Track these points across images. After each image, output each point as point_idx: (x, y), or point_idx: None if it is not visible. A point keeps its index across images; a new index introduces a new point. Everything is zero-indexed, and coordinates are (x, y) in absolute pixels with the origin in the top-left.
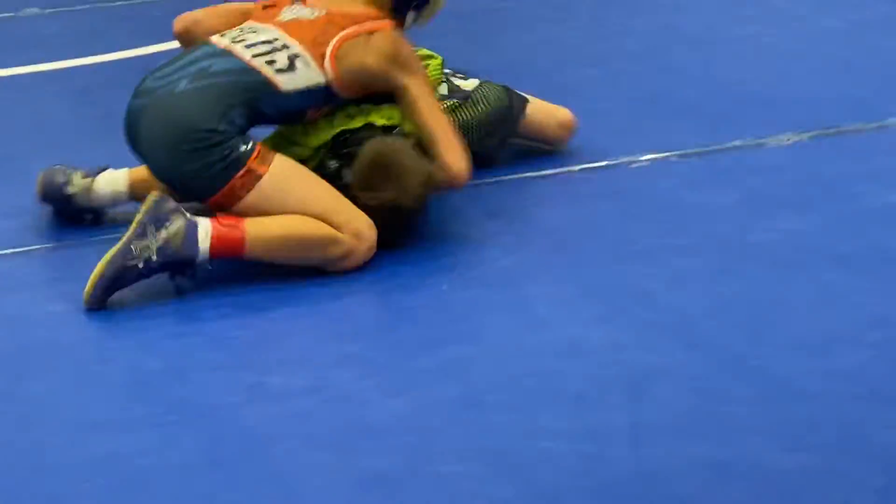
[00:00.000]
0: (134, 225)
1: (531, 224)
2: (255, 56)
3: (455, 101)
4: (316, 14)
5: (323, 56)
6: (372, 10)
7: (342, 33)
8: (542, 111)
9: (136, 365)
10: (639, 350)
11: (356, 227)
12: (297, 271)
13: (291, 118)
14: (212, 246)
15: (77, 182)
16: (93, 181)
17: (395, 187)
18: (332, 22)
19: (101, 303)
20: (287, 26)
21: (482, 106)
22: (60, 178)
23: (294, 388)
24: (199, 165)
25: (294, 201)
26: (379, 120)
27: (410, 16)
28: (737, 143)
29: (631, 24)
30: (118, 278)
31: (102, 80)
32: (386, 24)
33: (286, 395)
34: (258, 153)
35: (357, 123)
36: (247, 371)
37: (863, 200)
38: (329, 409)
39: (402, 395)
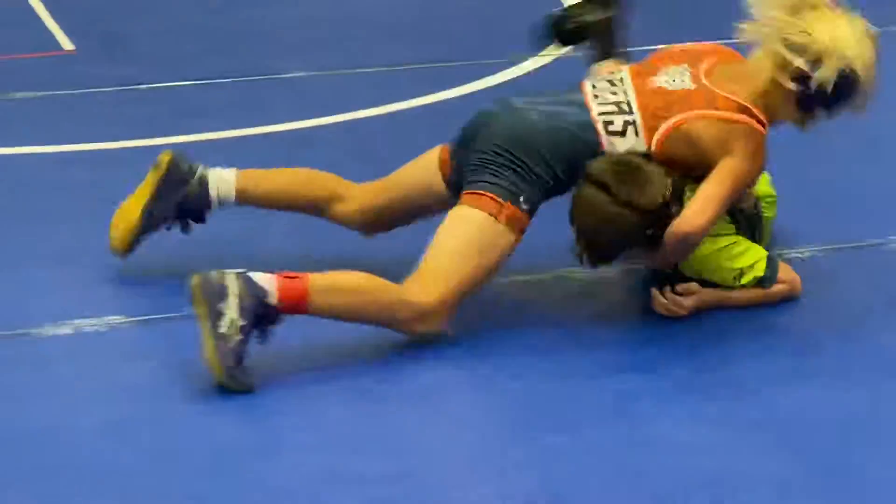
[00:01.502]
0: (200, 314)
1: None
2: (599, 114)
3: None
4: (685, 85)
5: (654, 130)
6: (758, 102)
7: (687, 114)
8: None
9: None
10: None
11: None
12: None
13: None
14: (279, 296)
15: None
16: (207, 171)
17: (634, 189)
18: (692, 98)
19: (237, 379)
20: (643, 91)
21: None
22: (186, 166)
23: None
24: (497, 179)
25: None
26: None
27: (820, 113)
28: None
29: None
30: (237, 360)
31: None
32: (757, 128)
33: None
34: (521, 216)
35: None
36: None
37: None
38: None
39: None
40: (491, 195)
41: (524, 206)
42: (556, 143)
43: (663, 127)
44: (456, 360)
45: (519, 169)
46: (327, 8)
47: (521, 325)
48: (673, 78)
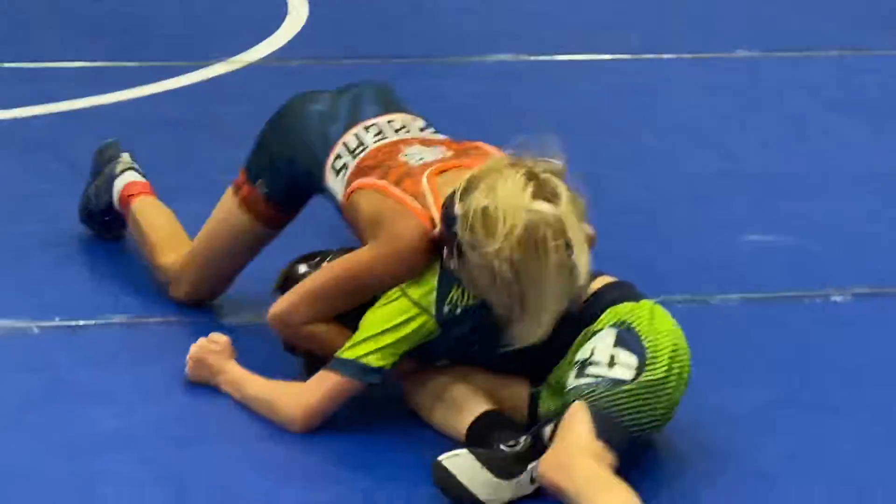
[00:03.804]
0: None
1: None
2: (344, 143)
3: None
4: (418, 162)
5: (350, 184)
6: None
7: (382, 183)
8: None
9: None
10: None
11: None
12: None
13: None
14: (119, 200)
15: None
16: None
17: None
18: (396, 171)
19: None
20: (386, 147)
21: None
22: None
23: None
24: (251, 155)
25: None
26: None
27: (449, 259)
28: None
29: None
30: (86, 219)
31: None
32: (412, 217)
33: None
34: (257, 198)
35: None
36: None
37: None
38: None
39: None
40: (242, 168)
41: (262, 190)
42: (303, 145)
43: (354, 184)
44: None
45: (266, 151)
46: None
47: None
48: (422, 156)
